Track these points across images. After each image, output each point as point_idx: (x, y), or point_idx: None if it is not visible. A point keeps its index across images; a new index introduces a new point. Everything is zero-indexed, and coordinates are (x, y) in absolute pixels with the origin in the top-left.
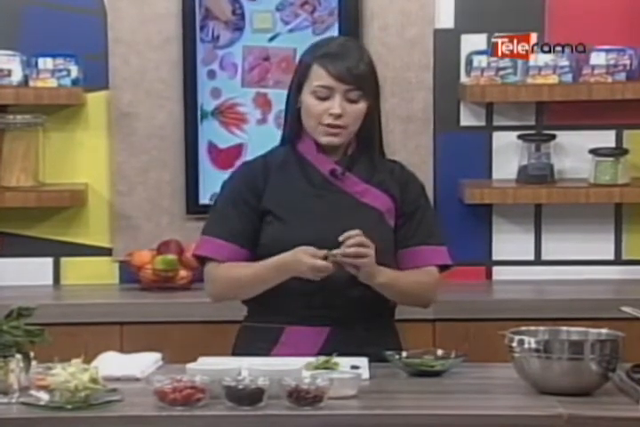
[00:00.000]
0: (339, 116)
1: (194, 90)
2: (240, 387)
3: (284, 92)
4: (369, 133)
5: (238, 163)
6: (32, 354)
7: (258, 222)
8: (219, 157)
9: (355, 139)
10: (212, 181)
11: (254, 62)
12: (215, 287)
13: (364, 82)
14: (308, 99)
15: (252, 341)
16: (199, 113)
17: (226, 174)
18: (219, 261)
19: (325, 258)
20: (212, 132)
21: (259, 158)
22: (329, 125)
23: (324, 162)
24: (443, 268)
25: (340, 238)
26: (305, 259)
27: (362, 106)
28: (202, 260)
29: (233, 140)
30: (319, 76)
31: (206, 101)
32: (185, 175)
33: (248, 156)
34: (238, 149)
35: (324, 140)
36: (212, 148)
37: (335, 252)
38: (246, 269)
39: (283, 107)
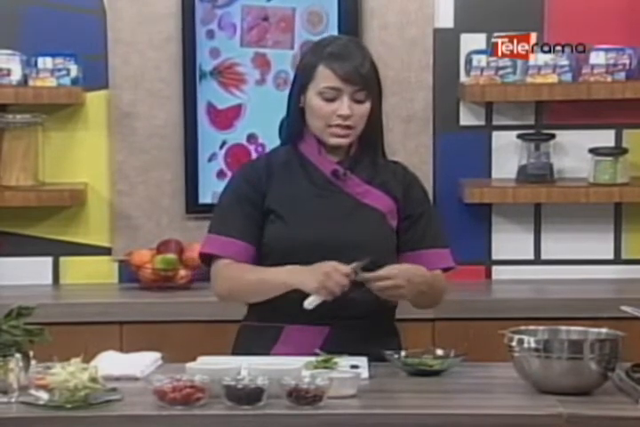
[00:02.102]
0: (347, 117)
1: (192, 49)
2: (239, 386)
3: (284, 53)
4: (372, 134)
5: (237, 123)
6: (31, 353)
7: (261, 220)
8: (217, 117)
9: (357, 139)
10: (211, 142)
11: (253, 22)
12: (222, 287)
13: (370, 82)
14: (314, 100)
15: (252, 340)
16: (198, 73)
17: (224, 135)
18: (225, 259)
19: (351, 274)
20: (210, 93)
21: (261, 158)
22: (338, 126)
23: (327, 162)
24: (445, 269)
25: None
26: (333, 269)
27: (368, 106)
28: (207, 258)
29: (232, 101)
30: (326, 78)
31: (205, 61)
32: (185, 175)
33: (246, 116)
34: (237, 110)
35: (333, 141)
36: (210, 108)
37: (369, 275)
38: (253, 273)
39: (282, 67)
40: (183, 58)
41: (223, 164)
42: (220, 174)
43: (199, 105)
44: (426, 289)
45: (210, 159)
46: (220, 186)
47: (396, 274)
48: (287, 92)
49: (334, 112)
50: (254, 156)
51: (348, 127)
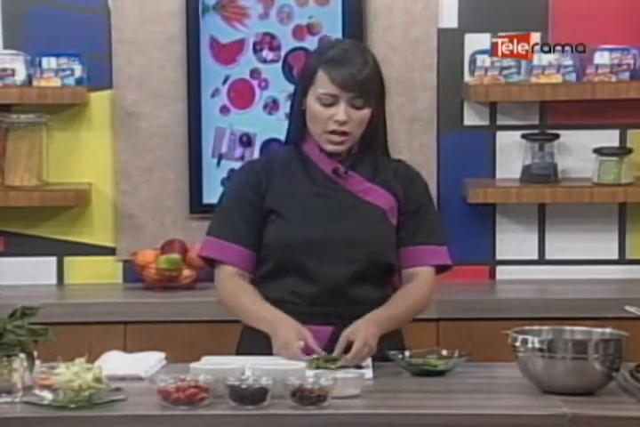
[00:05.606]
0: (343, 123)
1: None
2: (243, 386)
3: None
4: (373, 135)
5: (239, 57)
6: (36, 353)
7: (261, 223)
8: (220, 51)
9: (359, 139)
10: (214, 77)
11: None
12: (221, 298)
13: (369, 88)
14: (313, 104)
15: (256, 340)
16: (200, 7)
17: (227, 70)
18: (227, 264)
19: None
20: (213, 27)
21: (262, 158)
22: (334, 132)
23: (327, 161)
24: (443, 268)
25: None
26: (288, 344)
27: (366, 112)
28: (209, 260)
29: (234, 35)
30: (323, 84)
31: None
32: (189, 174)
33: (249, 51)
34: (240, 44)
35: (329, 148)
36: (213, 42)
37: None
38: (247, 298)
39: (285, 2)
40: None
41: (226, 99)
42: (224, 110)
43: (202, 40)
44: (404, 320)
45: (213, 95)
46: (223, 121)
47: (363, 342)
48: (291, 27)
49: (331, 117)
50: (257, 91)
51: (344, 133)
